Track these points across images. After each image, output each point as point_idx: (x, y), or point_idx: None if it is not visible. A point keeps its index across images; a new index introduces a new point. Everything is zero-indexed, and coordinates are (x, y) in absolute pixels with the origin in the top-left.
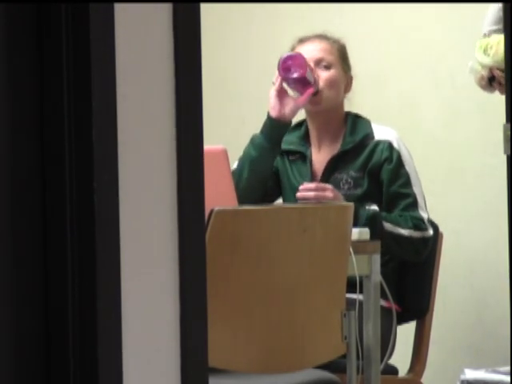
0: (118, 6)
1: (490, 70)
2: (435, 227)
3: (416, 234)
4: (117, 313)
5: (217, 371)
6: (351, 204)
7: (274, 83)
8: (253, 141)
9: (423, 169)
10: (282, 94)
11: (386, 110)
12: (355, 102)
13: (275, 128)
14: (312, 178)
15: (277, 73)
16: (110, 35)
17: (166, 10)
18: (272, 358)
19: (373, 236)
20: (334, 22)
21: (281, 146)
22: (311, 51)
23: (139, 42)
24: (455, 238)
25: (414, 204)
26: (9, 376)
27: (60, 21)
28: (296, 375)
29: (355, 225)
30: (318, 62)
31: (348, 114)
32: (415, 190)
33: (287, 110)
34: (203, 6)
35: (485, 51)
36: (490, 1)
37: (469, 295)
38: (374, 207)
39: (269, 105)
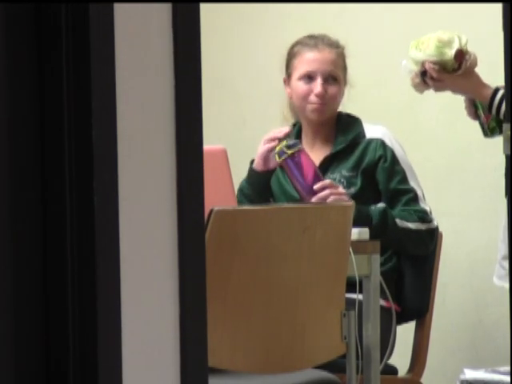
0: (117, 6)
1: (422, 64)
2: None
3: (422, 226)
4: (117, 313)
5: (217, 371)
6: (351, 204)
7: (267, 140)
8: (243, 192)
9: (423, 169)
10: (269, 153)
11: (386, 110)
12: (355, 102)
13: (262, 177)
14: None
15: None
16: (110, 35)
17: (166, 10)
18: (272, 358)
19: (386, 232)
20: (334, 22)
21: (269, 186)
22: (322, 63)
23: (139, 42)
24: (455, 237)
25: (415, 198)
26: (9, 376)
27: (60, 21)
28: (296, 375)
29: (365, 225)
30: (328, 76)
31: (339, 113)
32: (412, 184)
33: (272, 163)
34: (203, 6)
35: (417, 47)
36: (490, 1)
37: (469, 295)
38: (381, 204)
39: (256, 159)
